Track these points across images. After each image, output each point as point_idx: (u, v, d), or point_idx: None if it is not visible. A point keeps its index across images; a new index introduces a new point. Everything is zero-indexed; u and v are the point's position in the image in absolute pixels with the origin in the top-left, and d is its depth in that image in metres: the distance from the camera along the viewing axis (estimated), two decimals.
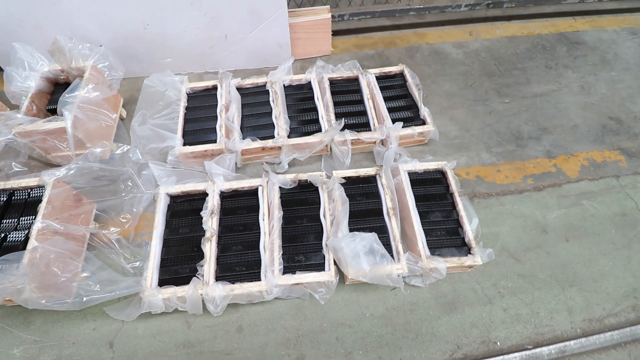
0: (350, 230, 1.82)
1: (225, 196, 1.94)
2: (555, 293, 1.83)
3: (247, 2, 2.28)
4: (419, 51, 2.87)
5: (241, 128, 2.22)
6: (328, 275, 1.66)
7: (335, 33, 2.93)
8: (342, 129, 2.13)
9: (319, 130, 2.18)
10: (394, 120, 2.20)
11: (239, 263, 1.74)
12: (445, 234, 1.85)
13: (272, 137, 2.13)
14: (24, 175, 1.68)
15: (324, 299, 1.67)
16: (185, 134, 2.15)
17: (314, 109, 2.28)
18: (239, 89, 2.38)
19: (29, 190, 1.67)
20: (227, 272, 1.72)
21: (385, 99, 2.34)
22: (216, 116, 2.20)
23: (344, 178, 1.98)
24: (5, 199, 1.67)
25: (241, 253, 1.76)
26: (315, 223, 1.85)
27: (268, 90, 2.35)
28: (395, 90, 2.43)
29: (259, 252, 1.73)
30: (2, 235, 1.58)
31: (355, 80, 2.46)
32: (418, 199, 1.92)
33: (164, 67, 2.56)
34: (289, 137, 2.14)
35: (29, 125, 1.78)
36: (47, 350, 1.65)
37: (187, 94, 2.31)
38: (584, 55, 2.86)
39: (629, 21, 3.12)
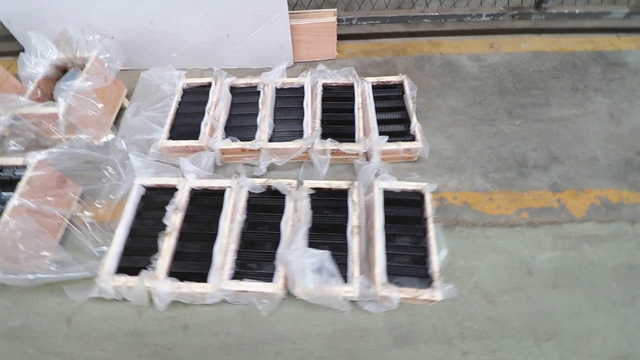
0: (310, 244, 1.77)
1: (196, 194, 1.97)
2: (526, 344, 1.63)
3: (248, 2, 2.29)
4: (429, 61, 2.71)
5: (227, 127, 2.23)
6: (274, 287, 1.62)
7: (345, 37, 2.85)
8: (326, 137, 2.07)
9: (301, 136, 2.13)
10: (382, 133, 2.10)
11: (194, 262, 1.75)
12: (410, 262, 1.72)
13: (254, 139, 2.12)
14: (13, 154, 1.82)
15: (266, 311, 1.63)
16: (173, 128, 2.21)
17: (302, 115, 2.24)
18: (232, 88, 2.40)
19: (14, 169, 1.81)
20: (181, 269, 1.74)
21: (379, 110, 2.24)
22: (205, 113, 2.24)
23: (315, 189, 1.92)
24: None
25: (197, 252, 1.78)
26: (276, 231, 1.81)
27: (260, 91, 2.34)
28: (391, 102, 2.31)
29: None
30: None
31: (351, 87, 2.37)
32: (389, 219, 1.81)
33: (170, 61, 2.65)
34: (270, 140, 2.12)
35: (26, 109, 1.93)
36: (15, 317, 1.78)
37: (183, 89, 2.37)
38: (622, 78, 2.52)
39: None
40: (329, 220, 1.85)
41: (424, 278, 1.68)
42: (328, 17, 2.53)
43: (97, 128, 2.14)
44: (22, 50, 2.21)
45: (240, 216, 1.82)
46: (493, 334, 1.66)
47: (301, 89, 2.35)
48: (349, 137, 2.15)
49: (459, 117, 2.39)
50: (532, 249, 1.87)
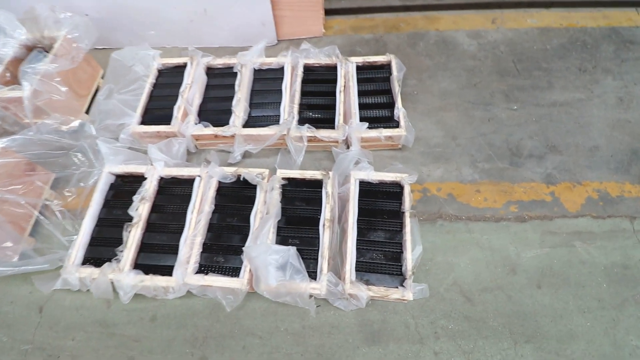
0: (280, 237, 1.70)
1: (166, 182, 1.90)
2: (504, 346, 1.55)
3: None
4: (423, 38, 2.50)
5: (201, 112, 2.13)
6: (239, 282, 1.56)
7: (334, 12, 2.65)
8: (303, 123, 1.95)
9: (278, 121, 2.01)
10: (365, 119, 1.96)
11: (159, 254, 1.70)
12: (383, 258, 1.63)
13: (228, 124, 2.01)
14: None
15: (230, 306, 1.58)
16: (146, 112, 2.12)
17: (280, 98, 2.10)
18: (209, 68, 2.26)
19: None
20: (147, 261, 1.70)
21: (363, 94, 2.09)
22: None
23: (288, 179, 1.82)
24: None
25: (164, 244, 1.72)
26: (246, 224, 1.74)
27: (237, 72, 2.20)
28: (377, 84, 2.15)
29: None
30: None
31: (335, 68, 2.21)
32: (363, 213, 1.72)
33: (149, 39, 2.51)
34: (244, 126, 2.01)
35: None
36: None
37: (157, 70, 2.25)
38: (637, 58, 2.27)
39: None
40: (301, 213, 1.76)
41: (397, 276, 1.59)
42: None
43: (67, 112, 2.06)
44: None
45: (208, 207, 1.75)
46: (469, 334, 1.58)
47: (281, 70, 2.20)
48: (330, 122, 2.02)
49: (451, 100, 2.22)
50: (517, 245, 1.75)
